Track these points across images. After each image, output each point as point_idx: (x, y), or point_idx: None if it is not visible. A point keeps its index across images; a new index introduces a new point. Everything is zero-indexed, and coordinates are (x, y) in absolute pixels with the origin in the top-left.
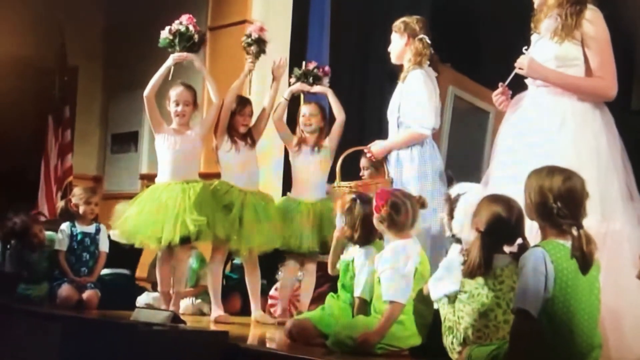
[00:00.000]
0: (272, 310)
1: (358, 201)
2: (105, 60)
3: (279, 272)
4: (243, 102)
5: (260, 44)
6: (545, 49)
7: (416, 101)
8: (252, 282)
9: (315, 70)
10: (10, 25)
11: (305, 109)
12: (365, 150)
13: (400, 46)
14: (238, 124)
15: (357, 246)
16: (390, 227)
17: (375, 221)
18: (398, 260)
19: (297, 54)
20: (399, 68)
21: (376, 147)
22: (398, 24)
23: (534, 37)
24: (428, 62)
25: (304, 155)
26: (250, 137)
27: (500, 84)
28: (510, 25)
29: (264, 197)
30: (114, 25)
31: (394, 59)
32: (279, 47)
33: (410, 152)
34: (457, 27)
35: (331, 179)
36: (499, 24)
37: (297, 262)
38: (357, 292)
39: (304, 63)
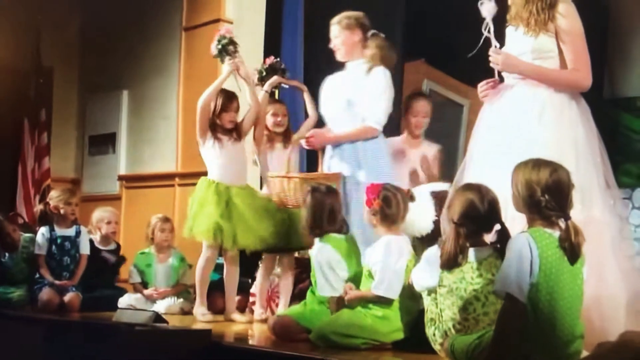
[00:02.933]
0: (254, 308)
1: (311, 192)
2: (80, 61)
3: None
4: (229, 98)
5: (235, 44)
6: (521, 42)
7: (380, 99)
8: (232, 281)
9: (279, 64)
10: None
11: (275, 109)
12: (304, 142)
13: (353, 42)
14: (224, 121)
15: (317, 239)
16: (382, 220)
17: (366, 215)
18: (390, 255)
19: (271, 53)
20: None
21: (320, 136)
22: (346, 20)
23: (508, 30)
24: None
25: (277, 153)
26: (236, 132)
27: (494, 79)
28: (483, 18)
29: (251, 192)
30: (89, 26)
31: (343, 56)
32: (253, 46)
33: (372, 144)
34: (431, 22)
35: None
36: (473, 18)
37: (274, 259)
38: (319, 291)
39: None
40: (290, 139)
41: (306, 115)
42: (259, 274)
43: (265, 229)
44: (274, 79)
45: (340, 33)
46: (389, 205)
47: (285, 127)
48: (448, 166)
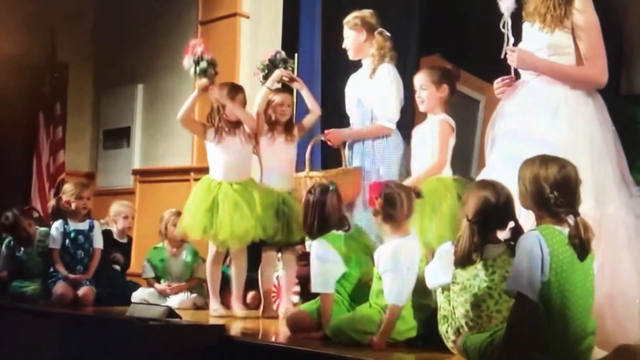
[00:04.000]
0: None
1: (305, 194)
2: (95, 56)
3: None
4: (235, 91)
5: (206, 64)
6: (537, 38)
7: (387, 96)
8: (236, 276)
9: (279, 56)
10: None
11: (280, 98)
12: (323, 138)
13: (360, 42)
14: (229, 113)
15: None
16: (386, 221)
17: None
18: (399, 261)
19: (289, 47)
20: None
21: (336, 133)
22: (353, 20)
23: (525, 26)
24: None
25: (278, 145)
26: (239, 127)
27: (510, 76)
28: (499, 13)
29: (247, 187)
30: (104, 21)
31: (353, 56)
32: (270, 41)
33: (381, 142)
34: (446, 16)
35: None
36: (489, 13)
37: (276, 253)
38: (311, 287)
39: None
40: (292, 131)
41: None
42: (260, 269)
43: (244, 224)
44: (276, 74)
45: (348, 33)
46: (393, 205)
47: (288, 117)
48: (463, 162)
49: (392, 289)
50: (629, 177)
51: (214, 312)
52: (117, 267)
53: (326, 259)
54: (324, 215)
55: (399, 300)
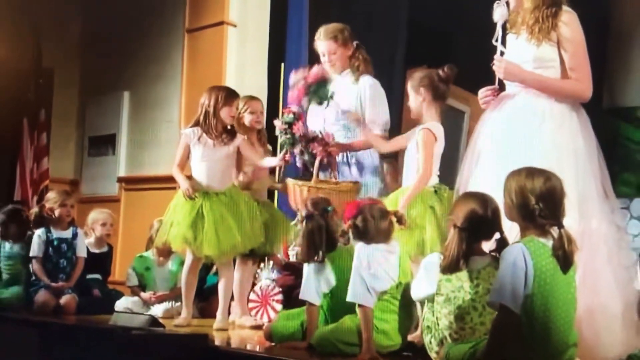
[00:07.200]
0: (252, 313)
1: (305, 220)
2: (81, 62)
3: (257, 274)
4: (232, 94)
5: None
6: (523, 51)
7: (379, 106)
8: (223, 287)
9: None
10: None
11: (253, 107)
12: (329, 149)
13: (343, 55)
14: (225, 115)
15: None
16: (356, 238)
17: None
18: (360, 263)
19: (275, 56)
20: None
21: (337, 146)
22: (341, 35)
23: (509, 38)
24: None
25: (259, 154)
26: (228, 135)
27: (494, 87)
28: (484, 26)
29: (231, 197)
30: (90, 27)
31: (335, 70)
32: (257, 49)
33: (367, 153)
34: (431, 28)
35: None
36: (473, 24)
37: (251, 263)
38: (301, 294)
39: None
40: (264, 139)
41: None
42: (235, 279)
43: (230, 240)
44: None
45: (331, 47)
46: (361, 231)
47: (262, 125)
48: (449, 172)
49: (351, 287)
50: (611, 191)
51: (179, 320)
52: (98, 276)
53: (324, 273)
54: (330, 237)
55: (359, 299)
